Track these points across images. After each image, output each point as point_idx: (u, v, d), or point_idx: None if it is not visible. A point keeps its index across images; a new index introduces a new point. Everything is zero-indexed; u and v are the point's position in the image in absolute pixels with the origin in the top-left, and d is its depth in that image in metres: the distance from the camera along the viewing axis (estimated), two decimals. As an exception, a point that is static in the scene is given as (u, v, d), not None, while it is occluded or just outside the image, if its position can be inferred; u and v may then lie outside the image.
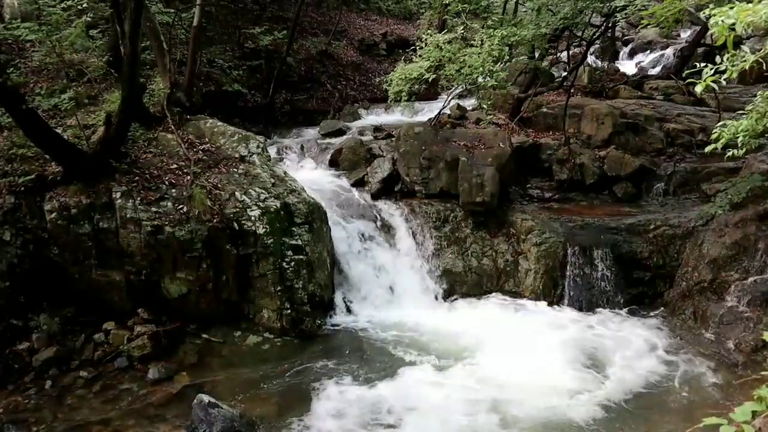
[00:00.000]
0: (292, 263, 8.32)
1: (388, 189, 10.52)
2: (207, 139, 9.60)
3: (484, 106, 10.61)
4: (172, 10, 11.46)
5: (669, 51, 17.42)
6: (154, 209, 7.94)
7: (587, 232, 9.54)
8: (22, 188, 7.78)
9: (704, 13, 3.73)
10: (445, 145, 10.30)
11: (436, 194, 10.20)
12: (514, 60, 14.63)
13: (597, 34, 12.60)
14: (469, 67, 9.36)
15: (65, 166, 7.91)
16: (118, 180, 8.08)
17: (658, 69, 16.50)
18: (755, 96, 6.12)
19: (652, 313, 8.91)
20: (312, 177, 10.77)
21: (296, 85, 15.68)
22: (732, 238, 8.57)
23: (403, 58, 12.87)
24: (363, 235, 9.75)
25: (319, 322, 8.47)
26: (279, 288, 8.15)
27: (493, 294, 9.49)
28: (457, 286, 9.53)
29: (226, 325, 8.21)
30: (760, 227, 8.44)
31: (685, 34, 18.91)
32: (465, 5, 10.96)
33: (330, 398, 6.80)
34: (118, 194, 7.92)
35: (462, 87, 11.63)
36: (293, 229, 8.63)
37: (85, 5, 9.07)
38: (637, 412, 6.56)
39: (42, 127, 7.53)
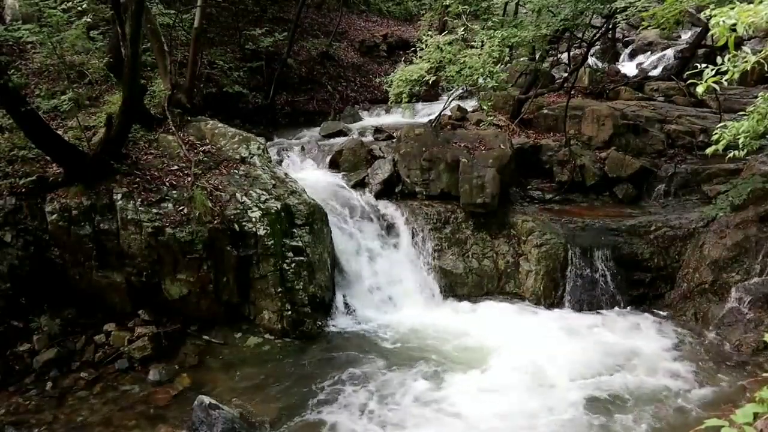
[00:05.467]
0: (293, 264, 8.31)
1: (388, 190, 10.51)
2: (208, 141, 9.61)
3: (485, 107, 10.61)
4: (172, 12, 11.48)
5: (670, 52, 17.41)
6: (154, 210, 7.94)
7: (588, 234, 9.54)
8: (23, 189, 7.79)
9: (705, 14, 3.72)
10: (446, 147, 10.30)
11: (436, 195, 10.20)
12: (514, 61, 14.66)
13: (597, 35, 12.61)
14: (469, 68, 9.35)
15: (66, 168, 7.92)
16: (119, 181, 8.09)
17: (658, 70, 16.48)
18: (756, 97, 6.11)
19: (653, 315, 8.89)
20: (313, 178, 10.76)
21: (297, 86, 15.69)
22: (733, 240, 8.57)
23: (403, 59, 12.88)
24: (363, 236, 9.75)
25: (320, 323, 8.46)
26: (279, 289, 8.15)
27: (494, 295, 9.48)
28: (458, 287, 9.53)
29: (226, 327, 8.21)
30: (761, 229, 8.44)
31: (686, 36, 18.90)
32: (465, 6, 10.96)
33: (330, 400, 6.79)
34: (119, 195, 7.92)
35: (462, 88, 11.64)
36: (294, 230, 8.63)
37: (85, 7, 9.09)
38: (637, 414, 6.54)
39: (43, 129, 7.53)
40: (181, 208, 8.05)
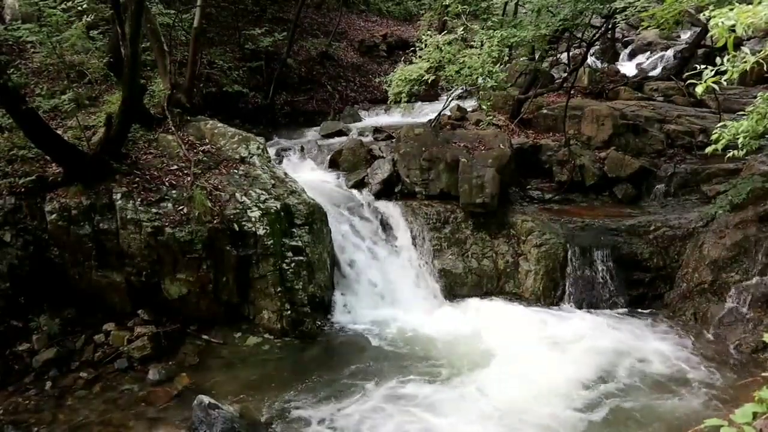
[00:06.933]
0: (293, 264, 8.31)
1: (388, 190, 10.52)
2: (207, 140, 9.60)
3: (484, 107, 10.62)
4: (172, 12, 11.48)
5: (669, 52, 17.43)
6: (154, 210, 7.94)
7: (587, 234, 9.54)
8: (23, 189, 7.78)
9: (704, 14, 3.73)
10: (446, 147, 10.31)
11: (436, 195, 10.20)
12: (514, 61, 14.67)
13: (597, 35, 12.62)
14: (468, 68, 9.37)
15: (66, 167, 7.91)
16: (119, 181, 8.08)
17: (658, 70, 16.50)
18: (755, 97, 6.12)
19: (652, 315, 8.90)
20: (312, 178, 10.77)
21: (296, 86, 15.69)
22: (732, 240, 8.58)
23: (403, 59, 12.88)
24: (363, 236, 9.75)
25: (319, 323, 8.46)
26: (279, 289, 8.15)
27: (494, 295, 9.48)
28: (457, 287, 9.52)
29: (226, 326, 8.21)
30: (761, 228, 8.45)
31: (685, 36, 18.92)
32: (465, 6, 10.97)
33: (330, 399, 6.79)
34: (119, 195, 7.92)
35: (462, 88, 11.65)
36: (293, 230, 8.63)
37: (85, 6, 9.08)
38: (637, 414, 6.54)
39: (42, 129, 7.53)
40: (181, 207, 8.05)
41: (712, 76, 3.58)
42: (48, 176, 7.96)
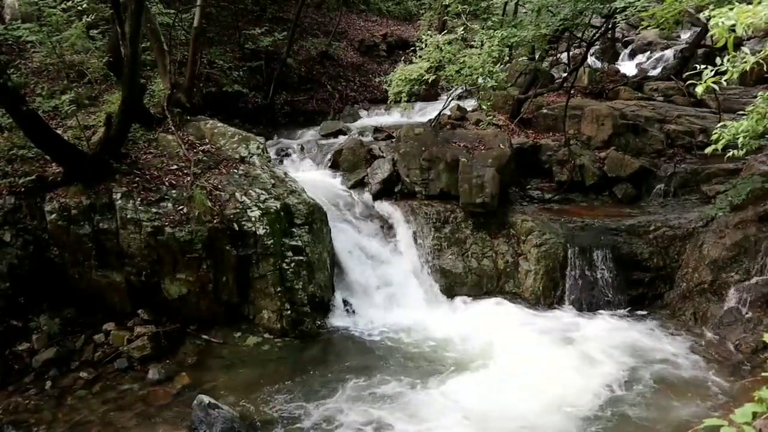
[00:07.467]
0: (292, 264, 8.32)
1: (388, 190, 10.52)
2: (207, 140, 9.61)
3: (484, 107, 10.62)
4: (172, 11, 11.48)
5: (669, 52, 17.41)
6: (154, 210, 7.94)
7: (587, 233, 9.54)
8: (23, 189, 7.78)
9: (704, 14, 3.73)
10: (445, 146, 10.30)
11: (436, 195, 10.19)
12: (514, 61, 14.68)
13: (597, 35, 12.61)
14: (468, 68, 9.37)
15: (65, 167, 7.91)
16: (119, 181, 8.08)
17: (658, 70, 16.49)
18: (755, 97, 6.12)
19: (652, 315, 8.90)
20: (312, 178, 10.77)
21: (296, 86, 15.68)
22: (732, 240, 8.58)
23: (403, 59, 12.90)
24: (363, 235, 9.75)
25: (319, 323, 8.46)
26: (279, 289, 8.15)
27: (493, 295, 9.47)
28: (457, 287, 9.52)
29: (226, 326, 8.21)
30: (761, 228, 8.45)
31: (686, 36, 18.90)
32: (465, 6, 10.98)
33: (329, 399, 6.79)
34: (119, 195, 7.92)
35: (462, 88, 11.64)
36: (293, 230, 8.63)
37: (85, 6, 9.09)
38: (637, 414, 6.55)
39: (42, 128, 7.53)
40: (181, 207, 8.05)
41: (712, 76, 3.58)
42: (48, 176, 7.97)
